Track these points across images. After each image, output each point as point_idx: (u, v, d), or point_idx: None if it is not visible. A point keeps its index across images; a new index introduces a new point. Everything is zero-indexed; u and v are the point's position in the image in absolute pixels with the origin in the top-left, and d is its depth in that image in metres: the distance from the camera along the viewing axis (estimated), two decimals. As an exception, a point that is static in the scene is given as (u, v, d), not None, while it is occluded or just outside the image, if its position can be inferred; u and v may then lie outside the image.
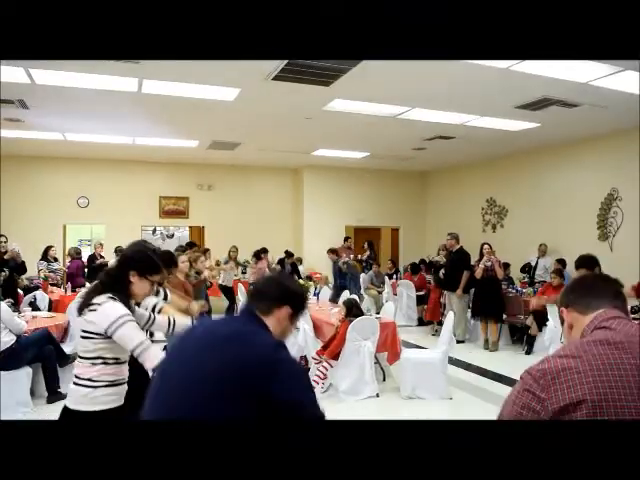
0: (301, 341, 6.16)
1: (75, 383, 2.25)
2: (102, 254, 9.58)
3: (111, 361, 2.24)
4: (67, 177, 10.98)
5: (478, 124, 7.83)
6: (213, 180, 12.07)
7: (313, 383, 5.17)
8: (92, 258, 9.87)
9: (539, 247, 9.44)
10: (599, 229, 8.78)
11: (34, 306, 6.86)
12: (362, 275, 10.37)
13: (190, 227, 12.11)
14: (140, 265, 2.29)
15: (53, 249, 9.44)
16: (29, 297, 7.21)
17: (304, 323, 6.13)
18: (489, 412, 5.07)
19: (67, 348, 5.47)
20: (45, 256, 9.24)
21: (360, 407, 5.04)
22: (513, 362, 6.75)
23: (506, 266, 8.77)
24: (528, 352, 7.25)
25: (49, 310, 6.98)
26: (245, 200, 12.14)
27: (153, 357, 2.11)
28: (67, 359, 5.34)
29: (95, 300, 2.21)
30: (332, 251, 10.01)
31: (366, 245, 11.26)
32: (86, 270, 9.45)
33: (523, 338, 7.55)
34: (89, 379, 2.22)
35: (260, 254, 9.44)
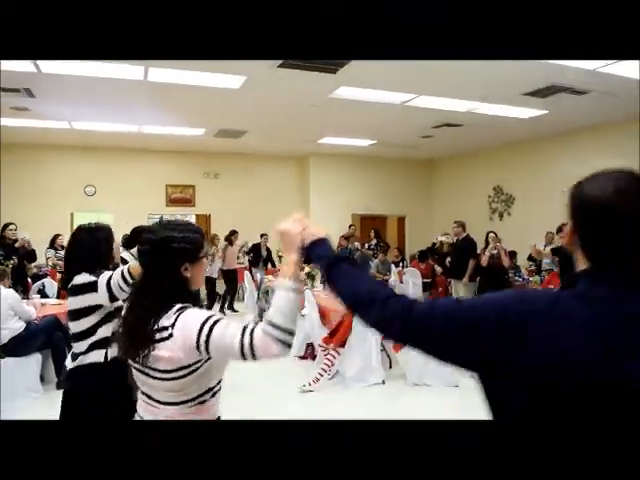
0: (307, 328, 6.19)
1: None
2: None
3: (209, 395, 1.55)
4: (74, 165, 11.00)
5: (485, 111, 7.79)
6: (219, 168, 12.06)
7: (321, 371, 5.22)
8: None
9: (546, 235, 9.38)
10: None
11: (43, 293, 6.92)
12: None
13: (197, 215, 12.12)
14: (184, 251, 1.56)
15: (60, 237, 9.46)
16: (38, 285, 7.28)
17: (310, 310, 6.16)
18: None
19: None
20: (53, 244, 9.30)
21: (366, 394, 5.07)
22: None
23: (512, 254, 8.75)
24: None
25: (57, 297, 7.04)
26: (251, 188, 12.14)
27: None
28: (76, 346, 5.41)
29: (164, 324, 1.46)
30: (345, 238, 9.98)
31: (372, 233, 11.25)
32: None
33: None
34: None
35: (231, 237, 9.48)
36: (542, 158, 10.09)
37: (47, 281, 7.39)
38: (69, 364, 2.41)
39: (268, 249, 10.61)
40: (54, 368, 5.12)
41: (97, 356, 2.34)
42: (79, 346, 2.37)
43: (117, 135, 9.74)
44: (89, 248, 2.48)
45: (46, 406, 4.01)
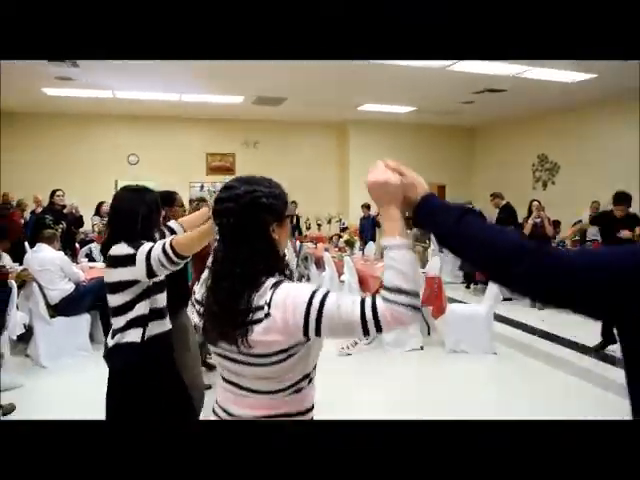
0: (346, 294, 6.23)
1: None
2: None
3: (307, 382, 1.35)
4: (118, 135, 11.24)
5: (530, 75, 7.50)
6: (258, 136, 12.11)
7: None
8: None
9: (591, 205, 9.11)
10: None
11: (90, 258, 7.18)
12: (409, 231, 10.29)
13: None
14: (273, 207, 1.32)
15: (105, 205, 9.75)
16: (85, 249, 7.55)
17: (349, 276, 6.21)
18: (532, 366, 5.07)
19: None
20: (98, 212, 9.59)
21: (403, 358, 5.12)
22: (560, 321, 6.63)
23: (556, 224, 8.54)
24: (576, 311, 7.13)
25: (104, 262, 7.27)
26: (291, 156, 12.16)
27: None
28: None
29: (258, 302, 1.23)
30: (366, 206, 9.92)
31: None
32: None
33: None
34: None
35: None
36: (588, 125, 9.72)
37: (94, 246, 7.64)
38: (109, 341, 2.22)
39: (297, 216, 10.64)
40: (102, 328, 5.34)
41: (135, 335, 2.16)
42: (117, 321, 2.18)
43: (158, 104, 9.88)
44: (130, 212, 2.21)
45: (93, 364, 4.17)
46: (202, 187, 13.71)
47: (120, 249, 2.10)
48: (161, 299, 2.31)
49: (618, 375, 4.35)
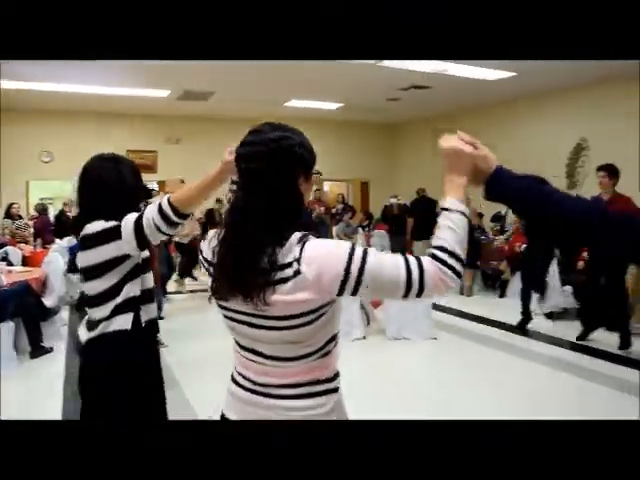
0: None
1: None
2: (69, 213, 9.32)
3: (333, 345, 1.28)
4: (28, 131, 10.49)
5: (454, 72, 7.81)
6: (182, 133, 11.77)
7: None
8: (60, 216, 9.65)
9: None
10: (567, 178, 9.02)
11: (7, 261, 6.67)
12: (335, 227, 10.43)
13: (159, 182, 11.83)
14: (304, 158, 1.22)
15: (15, 206, 9.14)
16: (0, 252, 7.01)
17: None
18: (471, 348, 5.37)
19: (47, 302, 5.36)
20: (8, 214, 8.96)
21: (348, 347, 5.16)
22: (489, 305, 7.04)
23: (480, 215, 8.97)
24: (501, 295, 7.55)
25: (23, 265, 6.81)
26: (217, 154, 11.72)
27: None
28: (48, 313, 5.25)
29: (284, 259, 1.13)
30: (318, 200, 9.95)
31: (340, 198, 11.33)
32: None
33: (495, 283, 7.83)
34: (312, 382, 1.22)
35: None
36: (507, 121, 10.29)
37: (10, 249, 7.12)
38: (84, 335, 1.90)
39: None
40: (27, 336, 4.96)
41: (123, 322, 1.85)
42: (99, 311, 1.86)
43: (75, 97, 9.30)
44: (112, 183, 1.90)
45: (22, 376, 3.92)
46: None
47: (98, 225, 1.82)
48: (149, 279, 1.99)
49: (538, 347, 5.22)
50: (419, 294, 1.10)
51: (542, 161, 9.35)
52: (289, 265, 1.11)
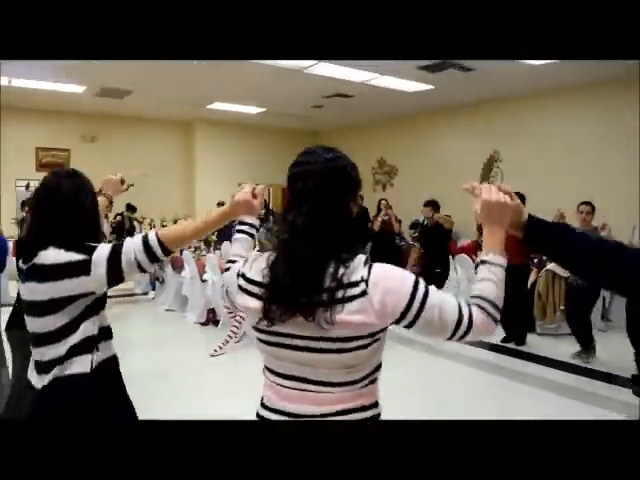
0: (210, 294, 6.10)
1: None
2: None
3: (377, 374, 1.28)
4: None
5: (378, 83, 8.03)
6: (98, 131, 11.25)
7: (230, 333, 5.23)
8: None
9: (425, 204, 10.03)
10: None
11: None
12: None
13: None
14: (356, 181, 1.31)
15: None
16: None
17: (213, 275, 6.07)
18: (398, 351, 5.51)
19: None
20: None
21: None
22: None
23: (398, 222, 9.26)
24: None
25: None
26: (132, 154, 11.45)
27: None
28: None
29: (351, 278, 1.14)
30: (221, 204, 9.86)
31: (264, 203, 11.26)
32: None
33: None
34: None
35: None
36: (425, 132, 10.72)
37: None
38: (36, 380, 1.67)
39: (138, 220, 10.27)
40: None
41: (81, 364, 1.63)
42: (51, 350, 1.63)
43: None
44: (71, 204, 1.67)
45: None
46: (28, 186, 12.34)
47: (58, 255, 1.58)
48: (105, 314, 1.77)
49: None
50: (464, 336, 1.16)
51: (458, 172, 9.86)
52: (356, 284, 1.12)
